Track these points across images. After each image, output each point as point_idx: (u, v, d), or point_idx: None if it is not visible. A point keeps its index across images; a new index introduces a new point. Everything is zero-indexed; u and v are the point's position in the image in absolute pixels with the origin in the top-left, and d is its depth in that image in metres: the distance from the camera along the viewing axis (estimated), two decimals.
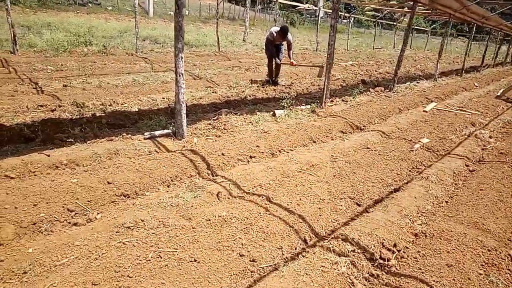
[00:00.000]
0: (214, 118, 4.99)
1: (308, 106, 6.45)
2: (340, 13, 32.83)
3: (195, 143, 4.21)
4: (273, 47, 7.85)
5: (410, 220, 2.95)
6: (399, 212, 3.08)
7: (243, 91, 7.12)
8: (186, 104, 5.57)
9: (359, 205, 3.20)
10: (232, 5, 39.32)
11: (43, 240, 2.26)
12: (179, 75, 4.04)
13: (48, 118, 4.39)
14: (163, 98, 6.17)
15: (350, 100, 7.38)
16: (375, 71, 12.77)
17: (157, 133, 4.19)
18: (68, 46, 9.76)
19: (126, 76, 7.75)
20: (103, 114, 4.86)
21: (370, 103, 7.28)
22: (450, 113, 7.03)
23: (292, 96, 7.34)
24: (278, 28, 7.60)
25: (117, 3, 28.38)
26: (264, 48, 8.22)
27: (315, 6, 40.76)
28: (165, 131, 4.29)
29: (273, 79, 8.25)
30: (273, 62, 8.04)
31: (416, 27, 32.95)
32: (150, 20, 23.77)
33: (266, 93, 7.34)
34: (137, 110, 5.20)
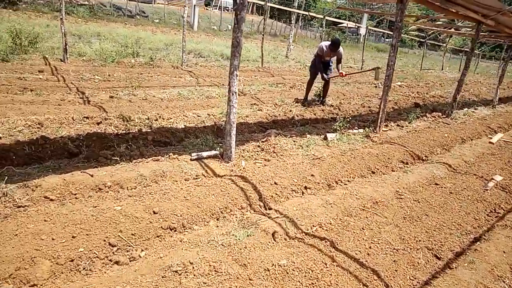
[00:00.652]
0: (263, 140, 4.65)
1: (361, 130, 5.98)
2: (383, 31, 32.00)
3: (243, 167, 3.87)
4: (321, 63, 7.43)
5: (507, 285, 2.42)
6: (490, 271, 2.55)
7: (290, 111, 6.76)
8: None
9: (438, 259, 2.70)
10: (274, 21, 39.59)
11: (81, 282, 1.96)
12: (232, 94, 3.75)
13: (94, 133, 4.23)
14: (208, 115, 5.92)
15: (406, 126, 6.83)
16: (426, 93, 12.05)
17: (204, 154, 3.90)
18: (116, 57, 9.88)
19: (172, 89, 7.64)
20: (149, 130, 4.65)
21: (428, 129, 6.68)
22: None
23: (340, 117, 6.89)
24: (329, 42, 7.15)
25: (164, 16, 29.26)
26: (310, 64, 7.76)
27: (357, 24, 40.21)
28: (213, 152, 3.99)
29: (322, 98, 7.85)
30: (321, 80, 7.60)
31: (463, 49, 31.47)
32: (194, 34, 24.18)
33: (314, 113, 6.94)
34: (183, 127, 4.96)
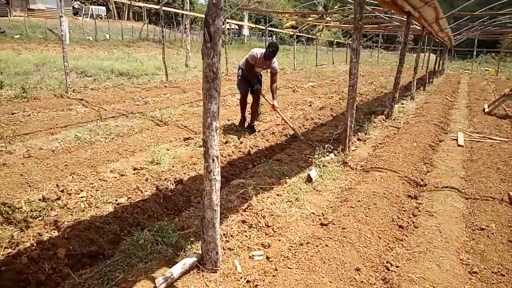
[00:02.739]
0: (243, 208, 3.13)
1: (333, 156, 4.88)
2: (261, 29, 32.20)
3: (240, 275, 2.35)
4: (255, 76, 5.86)
5: None
6: None
7: (241, 142, 5.30)
8: (180, 180, 3.64)
9: None
10: (157, 27, 36.88)
11: None
12: (212, 160, 2.18)
13: None
14: (136, 170, 4.11)
15: (365, 138, 6.00)
16: (342, 92, 11.78)
17: (175, 271, 2.22)
18: None
19: (64, 132, 5.47)
20: (55, 232, 2.72)
21: (389, 140, 5.96)
22: (484, 144, 5.97)
23: (300, 139, 5.72)
24: (263, 50, 5.64)
25: (25, 30, 24.44)
26: (239, 78, 5.99)
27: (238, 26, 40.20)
28: (188, 261, 2.34)
29: (250, 122, 6.20)
30: (252, 97, 6.06)
31: (337, 40, 33.75)
32: (67, 47, 20.57)
33: (266, 139, 5.61)
34: (112, 210, 3.10)
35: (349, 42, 29.79)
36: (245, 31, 49.71)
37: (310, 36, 37.03)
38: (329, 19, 23.48)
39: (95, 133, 5.46)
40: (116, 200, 3.27)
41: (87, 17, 36.15)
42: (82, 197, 3.38)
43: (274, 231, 2.89)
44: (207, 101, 2.06)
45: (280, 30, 25.18)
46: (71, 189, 3.48)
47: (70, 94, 8.10)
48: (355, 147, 5.49)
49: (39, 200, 3.25)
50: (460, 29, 17.05)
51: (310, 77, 16.32)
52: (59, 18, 7.98)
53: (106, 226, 2.78)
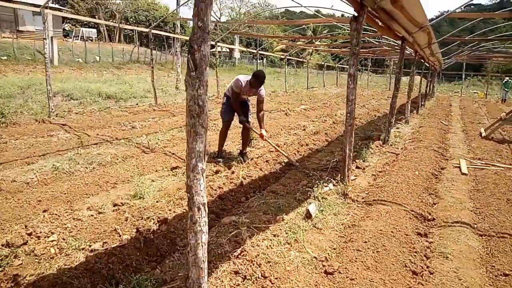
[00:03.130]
0: (236, 254, 2.74)
1: (331, 186, 4.54)
2: (252, 52, 32.35)
3: None
4: (239, 104, 5.43)
5: None
6: None
7: (232, 172, 4.93)
8: (164, 220, 3.25)
9: None
10: (147, 49, 36.86)
11: None
12: (198, 208, 1.81)
13: None
14: (116, 206, 3.70)
15: (365, 166, 5.69)
16: (335, 115, 11.56)
17: None
18: None
19: (42, 161, 5.05)
20: None
21: (389, 167, 5.67)
22: (488, 171, 5.70)
23: (296, 167, 5.39)
24: (248, 77, 5.25)
25: (13, 51, 24.08)
26: (223, 106, 5.55)
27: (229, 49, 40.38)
28: None
29: (242, 150, 5.81)
30: (242, 126, 5.58)
31: (327, 64, 34.08)
32: (56, 69, 20.22)
33: (260, 167, 5.26)
34: (83, 260, 2.67)
35: (339, 65, 30.10)
36: (236, 54, 50.06)
37: (300, 59, 37.48)
38: (318, 43, 23.77)
39: (75, 163, 5.05)
40: (90, 246, 2.85)
41: (77, 39, 36.04)
42: (52, 241, 2.95)
43: (272, 283, 2.49)
44: (191, 139, 1.73)
45: (271, 54, 25.35)
46: (41, 231, 3.05)
47: (53, 118, 7.71)
48: (355, 176, 5.16)
49: (2, 245, 2.82)
50: (450, 54, 17.23)
51: (302, 100, 16.18)
52: (42, 41, 7.66)
53: (75, 281, 2.36)
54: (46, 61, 7.63)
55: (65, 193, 4.01)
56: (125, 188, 4.31)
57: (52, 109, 7.73)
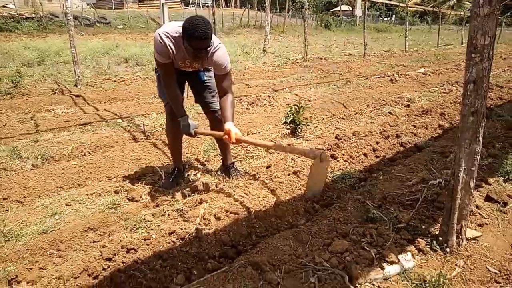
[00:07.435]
0: None
1: (406, 263, 1.85)
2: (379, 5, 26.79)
3: None
4: (178, 82, 2.72)
5: None
6: None
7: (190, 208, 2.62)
8: None
9: None
10: (258, 12, 35.08)
11: None
12: None
13: None
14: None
15: (507, 194, 2.66)
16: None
17: None
18: None
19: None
20: None
21: None
22: None
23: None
24: (179, 28, 2.38)
25: (129, 20, 25.23)
26: (159, 84, 2.85)
27: (352, 4, 35.84)
28: None
29: (225, 161, 3.17)
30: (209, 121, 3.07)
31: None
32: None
33: (247, 195, 2.81)
34: None
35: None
36: (358, 11, 44.56)
37: (437, 10, 30.68)
38: None
39: (17, 156, 3.45)
40: None
41: (194, 7, 36.56)
42: None
43: None
44: None
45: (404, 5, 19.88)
46: None
47: (80, 88, 6.45)
48: (478, 224, 2.28)
49: None
50: None
51: (425, 61, 12.30)
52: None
53: None
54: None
55: None
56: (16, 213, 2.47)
57: (79, 76, 6.44)
